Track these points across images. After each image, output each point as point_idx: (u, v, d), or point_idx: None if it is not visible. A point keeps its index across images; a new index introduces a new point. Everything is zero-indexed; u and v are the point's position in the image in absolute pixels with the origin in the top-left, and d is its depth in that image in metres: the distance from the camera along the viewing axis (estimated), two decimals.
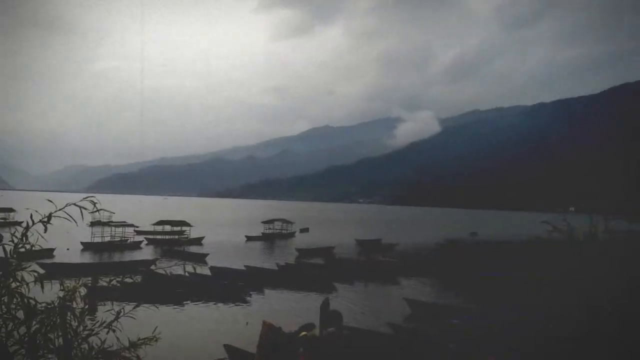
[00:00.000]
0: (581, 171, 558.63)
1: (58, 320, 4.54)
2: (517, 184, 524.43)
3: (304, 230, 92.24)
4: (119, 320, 5.10)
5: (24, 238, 4.87)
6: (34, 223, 4.95)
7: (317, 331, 9.17)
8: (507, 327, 16.25)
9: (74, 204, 5.18)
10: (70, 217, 5.08)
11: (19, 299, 4.66)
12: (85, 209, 5.22)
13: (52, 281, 5.53)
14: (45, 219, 4.94)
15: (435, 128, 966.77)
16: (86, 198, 5.28)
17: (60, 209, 5.04)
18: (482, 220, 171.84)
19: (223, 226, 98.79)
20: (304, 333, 8.97)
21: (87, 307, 4.97)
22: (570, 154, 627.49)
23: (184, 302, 28.16)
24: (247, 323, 22.87)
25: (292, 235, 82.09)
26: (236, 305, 28.50)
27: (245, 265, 39.08)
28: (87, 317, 5.01)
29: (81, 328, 4.87)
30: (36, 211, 5.07)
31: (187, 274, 32.94)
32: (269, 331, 8.87)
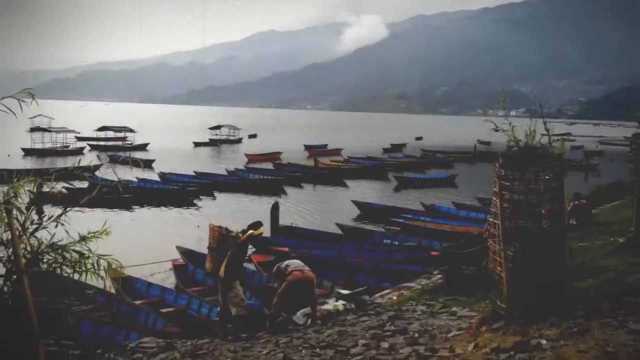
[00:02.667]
0: (522, 75, 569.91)
1: (4, 214, 4.34)
2: (465, 89, 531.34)
3: (252, 136, 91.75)
4: (67, 214, 4.93)
5: None
6: None
7: (263, 229, 9.28)
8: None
9: (11, 96, 4.84)
10: (9, 109, 4.76)
11: None
12: (23, 101, 4.89)
13: None
14: None
15: (382, 33, 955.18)
16: (23, 90, 4.93)
17: None
18: (429, 126, 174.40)
19: (169, 132, 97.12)
20: (251, 231, 9.03)
21: (33, 200, 4.77)
22: (514, 59, 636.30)
23: (133, 207, 27.97)
24: (197, 226, 22.99)
25: (239, 141, 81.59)
26: (186, 209, 28.55)
27: (194, 171, 38.86)
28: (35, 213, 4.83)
29: (28, 223, 4.70)
30: None
31: (135, 179, 32.53)
32: (217, 232, 8.87)
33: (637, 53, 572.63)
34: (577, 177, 40.78)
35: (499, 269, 5.98)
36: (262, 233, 9.30)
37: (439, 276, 11.98)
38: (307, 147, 66.50)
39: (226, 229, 8.96)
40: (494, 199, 6.02)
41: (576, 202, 16.13)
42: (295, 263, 9.10)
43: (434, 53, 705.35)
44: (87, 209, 18.53)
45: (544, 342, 5.08)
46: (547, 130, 6.18)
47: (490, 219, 6.16)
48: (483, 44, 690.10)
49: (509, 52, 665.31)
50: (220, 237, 8.80)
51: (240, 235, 8.92)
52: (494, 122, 6.26)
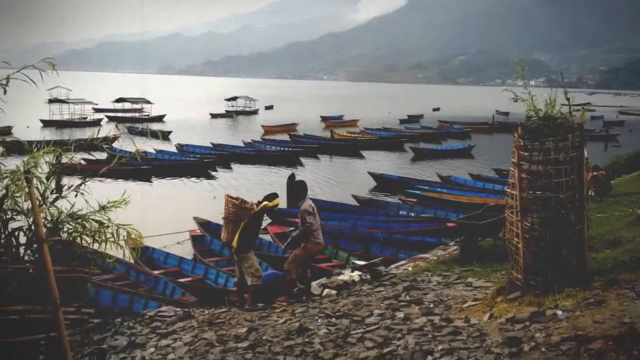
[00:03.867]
0: (542, 44, 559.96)
1: (24, 183, 4.39)
2: (483, 58, 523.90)
3: (269, 107, 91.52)
4: (86, 184, 4.98)
5: None
6: None
7: (278, 201, 9.28)
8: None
9: (32, 66, 4.86)
10: (30, 79, 4.79)
11: None
12: (43, 70, 4.91)
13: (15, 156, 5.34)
14: (4, 81, 4.64)
15: (399, 1, 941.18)
16: (44, 59, 4.95)
17: (17, 71, 4.74)
18: (447, 96, 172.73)
19: (186, 104, 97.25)
20: (265, 203, 9.04)
21: (53, 170, 4.82)
22: (533, 27, 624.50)
23: (151, 178, 28.19)
24: (214, 197, 23.13)
25: (255, 112, 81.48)
26: (203, 180, 28.72)
27: (211, 142, 38.97)
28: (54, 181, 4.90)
29: (48, 192, 4.77)
30: None
31: (153, 150, 32.75)
32: (231, 203, 8.89)
33: None
34: (596, 148, 40.30)
35: (515, 239, 5.96)
36: (277, 205, 9.28)
37: (455, 247, 11.98)
38: (324, 119, 66.29)
39: (241, 200, 8.98)
40: (512, 169, 5.98)
41: (594, 173, 15.97)
42: (316, 225, 9.01)
43: (452, 22, 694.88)
44: (106, 180, 18.74)
45: (559, 312, 5.09)
46: (568, 99, 6.09)
47: (508, 190, 6.13)
48: (502, 13, 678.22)
49: (528, 20, 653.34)
50: (235, 208, 8.83)
51: (255, 206, 8.94)
52: (514, 92, 6.18)
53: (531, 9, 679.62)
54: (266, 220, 15.12)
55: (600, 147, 43.07)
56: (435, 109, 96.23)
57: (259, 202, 9.05)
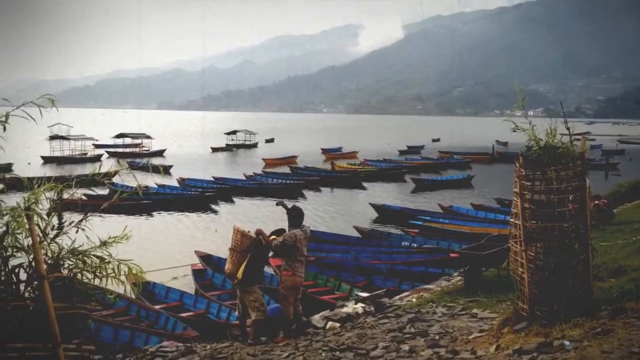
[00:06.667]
0: (540, 74, 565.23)
1: (25, 220, 4.38)
2: (482, 89, 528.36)
3: (270, 140, 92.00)
4: (87, 220, 4.96)
5: None
6: None
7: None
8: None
9: (32, 102, 4.89)
10: (30, 115, 4.81)
11: None
12: (43, 107, 4.93)
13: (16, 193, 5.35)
14: (3, 118, 4.66)
15: (397, 34, 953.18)
16: (43, 96, 4.98)
17: (17, 108, 4.76)
18: (446, 127, 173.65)
19: (186, 138, 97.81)
20: (273, 237, 9.01)
21: (54, 206, 4.81)
22: (531, 58, 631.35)
23: (153, 213, 28.16)
24: (215, 230, 23.09)
25: (255, 145, 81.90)
26: (205, 214, 28.68)
27: (212, 176, 39.07)
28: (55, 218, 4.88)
29: (49, 228, 4.74)
30: None
31: (155, 185, 32.81)
32: (239, 234, 8.86)
33: None
34: (597, 176, 40.32)
35: (520, 269, 5.92)
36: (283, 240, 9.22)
37: (459, 278, 11.88)
38: (324, 151, 66.58)
39: (249, 232, 8.96)
40: (515, 199, 5.97)
41: (596, 202, 15.95)
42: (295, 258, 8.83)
43: (450, 54, 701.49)
44: (107, 215, 18.76)
45: (567, 342, 5.02)
46: (568, 129, 6.11)
47: (512, 220, 6.11)
48: (499, 44, 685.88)
49: (525, 51, 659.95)
50: (242, 239, 8.80)
51: (262, 239, 8.91)
52: (514, 122, 6.20)
53: (528, 40, 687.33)
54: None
55: (601, 175, 43.10)
56: (435, 140, 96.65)
57: (267, 237, 9.02)
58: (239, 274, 8.66)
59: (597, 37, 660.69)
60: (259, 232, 8.78)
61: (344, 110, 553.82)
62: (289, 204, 9.26)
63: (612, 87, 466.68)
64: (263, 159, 55.87)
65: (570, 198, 5.70)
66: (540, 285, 5.73)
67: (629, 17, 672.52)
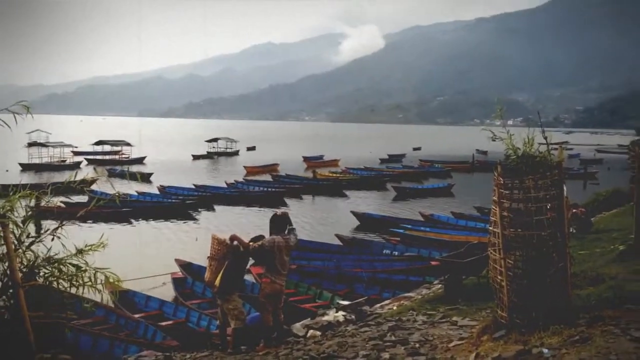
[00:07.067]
0: (518, 84, 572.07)
1: None
2: (461, 98, 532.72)
3: (251, 148, 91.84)
4: (63, 228, 4.90)
5: None
6: None
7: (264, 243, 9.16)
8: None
9: (6, 109, 4.83)
10: (5, 123, 4.75)
11: None
12: (18, 113, 4.87)
13: None
14: None
15: (378, 44, 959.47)
16: (19, 102, 4.92)
17: None
18: (427, 136, 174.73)
19: (167, 146, 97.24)
20: (251, 244, 8.96)
21: (30, 214, 4.74)
22: (510, 68, 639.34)
23: (132, 221, 27.89)
24: (196, 239, 22.92)
25: (236, 153, 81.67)
26: (186, 222, 28.48)
27: (193, 184, 38.83)
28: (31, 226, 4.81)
29: (24, 236, 4.67)
30: None
31: (135, 192, 32.52)
32: (216, 241, 8.81)
33: (633, 61, 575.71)
34: (575, 186, 40.81)
35: (499, 277, 5.95)
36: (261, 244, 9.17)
37: (439, 286, 11.92)
38: (305, 159, 66.59)
39: (226, 239, 8.89)
40: (494, 207, 6.00)
41: (574, 211, 16.13)
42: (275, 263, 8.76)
43: (430, 63, 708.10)
44: (85, 223, 18.51)
45: (545, 350, 5.04)
46: (545, 138, 6.17)
47: (490, 228, 6.14)
48: (478, 54, 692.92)
49: (504, 61, 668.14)
50: (220, 247, 8.75)
51: (240, 246, 8.85)
52: (492, 131, 6.25)
53: (507, 50, 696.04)
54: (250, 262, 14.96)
55: (579, 185, 43.63)
56: (415, 149, 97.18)
57: (246, 244, 8.95)
58: (217, 282, 8.60)
59: (575, 48, 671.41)
60: (233, 238, 8.69)
61: (325, 118, 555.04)
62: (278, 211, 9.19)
63: (589, 97, 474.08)
64: (244, 167, 55.71)
65: (548, 206, 5.75)
66: (519, 293, 5.76)
67: (605, 28, 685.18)
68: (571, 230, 14.44)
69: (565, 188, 6.03)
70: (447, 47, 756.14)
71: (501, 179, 5.88)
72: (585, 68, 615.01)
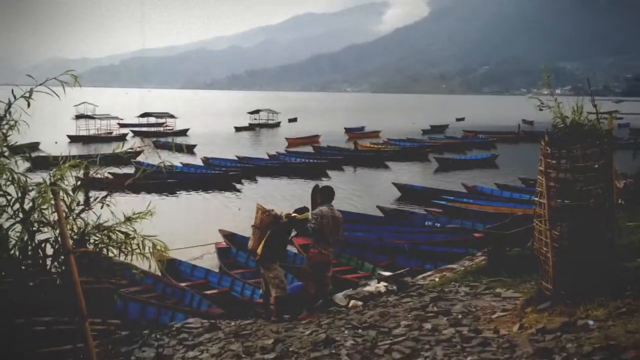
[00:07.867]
0: (566, 52, 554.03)
1: (51, 196, 4.44)
2: (507, 67, 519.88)
3: (293, 120, 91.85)
4: (111, 197, 5.02)
5: (7, 114, 4.69)
6: (15, 98, 4.73)
7: (308, 214, 9.24)
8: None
9: (55, 78, 4.93)
10: (53, 92, 4.85)
11: (10, 175, 4.56)
12: (66, 83, 4.97)
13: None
14: (27, 94, 4.72)
15: (421, 12, 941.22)
16: (67, 72, 5.01)
17: (40, 84, 4.81)
18: (472, 106, 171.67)
19: (210, 117, 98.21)
20: (294, 214, 9.06)
21: (79, 183, 4.88)
22: (557, 35, 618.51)
23: (177, 192, 28.42)
24: (239, 209, 23.24)
25: (277, 125, 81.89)
26: (229, 193, 28.86)
27: (236, 156, 39.20)
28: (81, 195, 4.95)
29: (74, 204, 4.81)
30: (17, 86, 4.83)
31: (179, 164, 33.07)
32: (260, 211, 8.94)
33: None
34: (624, 156, 39.58)
35: (544, 249, 5.86)
36: (307, 218, 9.25)
37: (482, 258, 11.81)
38: (347, 130, 66.31)
39: (270, 210, 9.02)
40: (540, 177, 5.88)
41: (625, 181, 15.66)
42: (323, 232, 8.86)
43: (475, 31, 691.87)
44: (132, 193, 18.90)
45: (591, 322, 4.98)
46: (595, 106, 5.99)
47: (536, 199, 6.03)
48: (525, 21, 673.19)
49: (551, 28, 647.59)
50: (263, 217, 8.88)
51: (283, 216, 8.96)
52: (540, 100, 6.09)
53: (555, 17, 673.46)
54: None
55: (629, 155, 42.28)
56: (459, 119, 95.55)
57: (289, 214, 9.07)
58: (259, 250, 8.76)
59: (624, 16, 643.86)
60: (288, 216, 8.90)
61: (367, 89, 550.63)
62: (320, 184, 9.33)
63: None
64: (286, 138, 55.83)
65: (596, 177, 5.60)
66: (565, 265, 5.67)
67: None
68: (619, 202, 14.07)
69: (614, 158, 5.85)
70: (493, 15, 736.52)
71: (548, 148, 5.75)
72: (635, 35, 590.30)
